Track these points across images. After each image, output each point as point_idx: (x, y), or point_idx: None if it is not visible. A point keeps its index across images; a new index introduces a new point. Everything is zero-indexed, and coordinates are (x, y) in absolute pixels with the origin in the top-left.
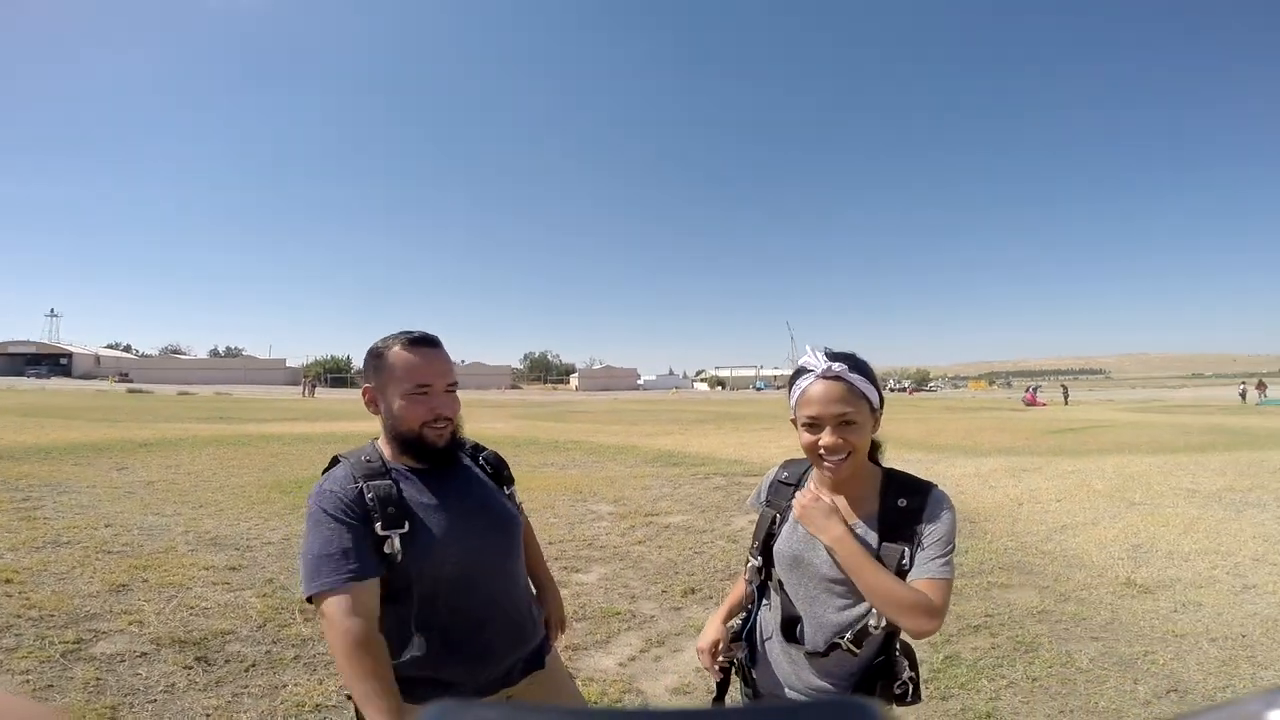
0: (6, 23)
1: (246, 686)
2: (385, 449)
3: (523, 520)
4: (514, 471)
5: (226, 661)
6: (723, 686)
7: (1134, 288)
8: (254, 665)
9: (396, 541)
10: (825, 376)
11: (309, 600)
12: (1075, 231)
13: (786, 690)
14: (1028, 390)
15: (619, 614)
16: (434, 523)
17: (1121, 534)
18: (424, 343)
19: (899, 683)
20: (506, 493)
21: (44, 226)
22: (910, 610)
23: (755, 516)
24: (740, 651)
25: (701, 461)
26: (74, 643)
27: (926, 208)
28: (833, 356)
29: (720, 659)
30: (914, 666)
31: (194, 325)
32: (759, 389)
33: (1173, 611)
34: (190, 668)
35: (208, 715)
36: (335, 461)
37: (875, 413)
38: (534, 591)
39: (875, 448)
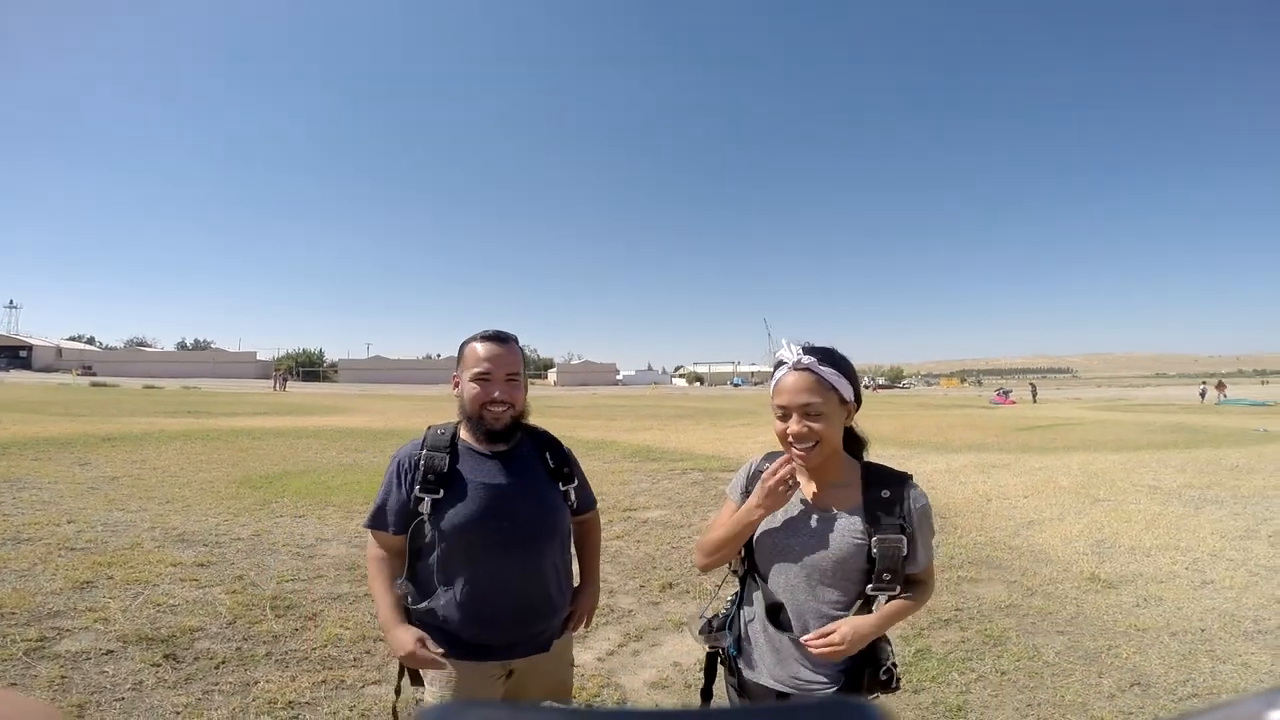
0: None
1: (217, 684)
2: (462, 428)
3: (591, 515)
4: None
5: (196, 659)
6: (710, 674)
7: (1102, 289)
8: (224, 662)
9: (428, 503)
10: (796, 368)
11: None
12: (1047, 234)
13: (771, 681)
14: (998, 392)
15: (597, 608)
16: (472, 495)
17: (1086, 530)
18: (493, 338)
19: (884, 669)
20: (562, 489)
21: (3, 215)
22: (924, 604)
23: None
24: (725, 641)
25: (679, 457)
26: (37, 640)
27: (904, 209)
28: (808, 351)
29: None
30: (892, 654)
31: (161, 318)
32: (736, 385)
33: (1135, 606)
34: (158, 665)
35: (178, 713)
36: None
37: (847, 405)
38: (567, 581)
39: (859, 443)
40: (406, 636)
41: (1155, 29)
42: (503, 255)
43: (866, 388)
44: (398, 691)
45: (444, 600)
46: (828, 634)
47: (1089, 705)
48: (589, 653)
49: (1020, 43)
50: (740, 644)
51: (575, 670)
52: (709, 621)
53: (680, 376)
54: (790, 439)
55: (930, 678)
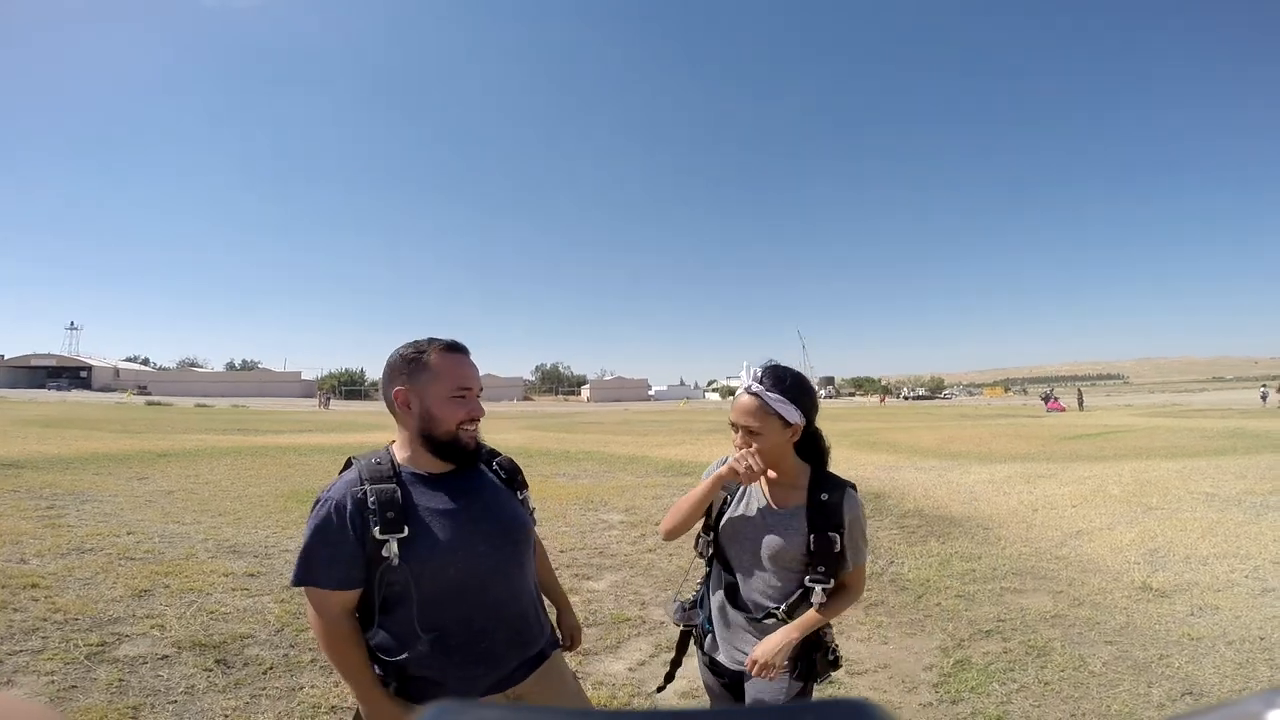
0: (34, 26)
1: (264, 689)
2: (400, 452)
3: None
4: (527, 481)
5: (245, 664)
6: (680, 650)
7: (1152, 290)
8: (272, 668)
9: (395, 545)
10: (747, 392)
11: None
12: (1091, 235)
13: (727, 659)
14: (1047, 399)
15: (629, 620)
16: (439, 528)
17: (1138, 538)
18: (459, 349)
19: (829, 651)
20: (520, 497)
21: (65, 238)
22: (853, 603)
23: None
24: (698, 619)
25: None
26: (98, 645)
27: (941, 214)
28: (767, 374)
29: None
30: (833, 636)
31: (211, 338)
32: None
33: (1189, 615)
34: (210, 670)
35: (226, 716)
36: (349, 464)
37: (791, 426)
38: (540, 595)
39: (820, 451)
40: (397, 712)
41: (1165, 28)
42: (535, 272)
43: (905, 399)
44: None
45: (431, 648)
46: (754, 663)
47: (1137, 715)
48: (620, 663)
49: (1042, 44)
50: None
51: (607, 679)
52: (682, 604)
53: (713, 391)
54: (737, 447)
55: (969, 688)
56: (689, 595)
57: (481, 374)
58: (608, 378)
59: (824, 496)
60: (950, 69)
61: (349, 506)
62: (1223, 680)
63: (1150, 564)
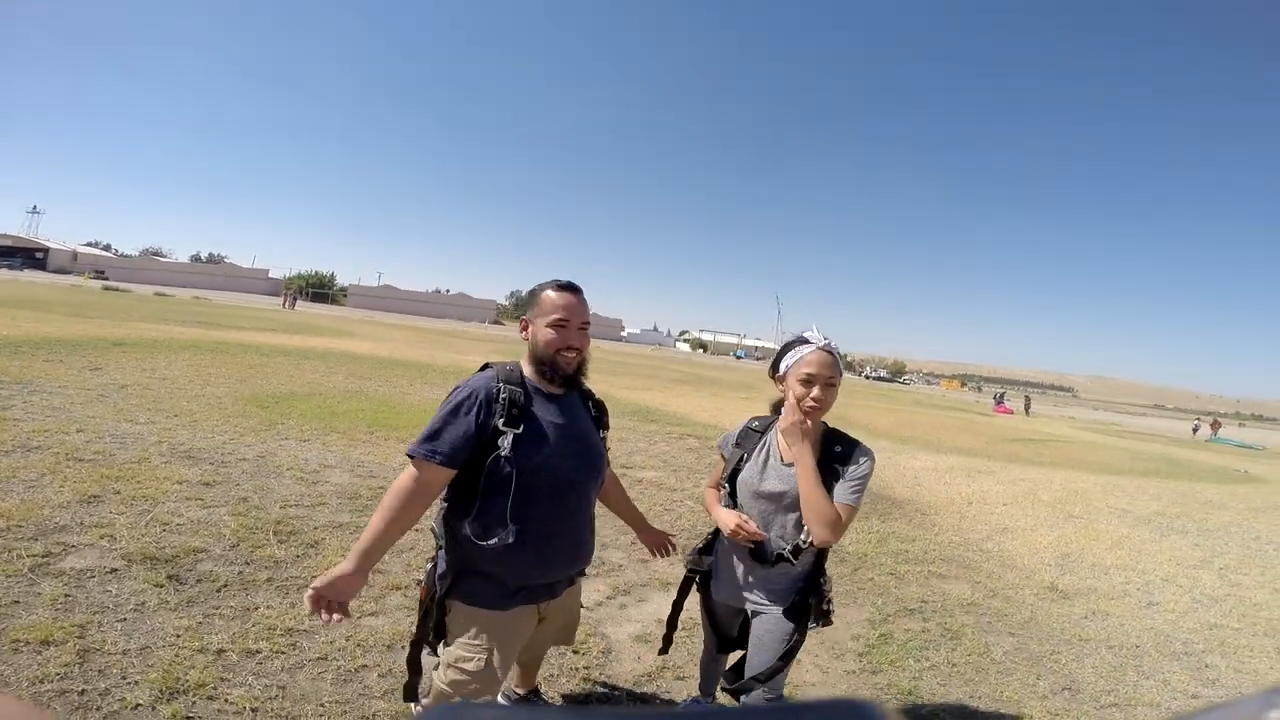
0: None
1: (218, 608)
2: (526, 369)
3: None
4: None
5: (198, 581)
6: (683, 592)
7: (1115, 310)
8: (226, 586)
9: (510, 439)
10: (824, 349)
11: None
12: (1065, 249)
13: (731, 599)
14: (997, 401)
15: None
16: (546, 435)
17: (1055, 542)
18: (568, 288)
19: (825, 601)
20: (601, 435)
21: (28, 120)
22: (819, 519)
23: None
24: (706, 564)
25: (677, 421)
26: (42, 556)
27: (929, 200)
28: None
29: (743, 531)
30: (831, 590)
31: (178, 231)
32: (739, 357)
33: (1083, 618)
34: (161, 586)
35: (178, 635)
36: (485, 367)
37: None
38: (594, 523)
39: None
40: (356, 580)
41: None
42: (516, 198)
43: (867, 378)
44: (415, 646)
45: (513, 539)
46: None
47: (1023, 703)
48: None
49: (1031, 43)
50: (717, 566)
51: None
52: (696, 549)
53: (685, 341)
54: (812, 402)
55: (889, 661)
56: (699, 544)
57: (454, 292)
58: None
59: (836, 449)
60: (942, 59)
61: (481, 397)
62: (1097, 680)
63: (1060, 567)
